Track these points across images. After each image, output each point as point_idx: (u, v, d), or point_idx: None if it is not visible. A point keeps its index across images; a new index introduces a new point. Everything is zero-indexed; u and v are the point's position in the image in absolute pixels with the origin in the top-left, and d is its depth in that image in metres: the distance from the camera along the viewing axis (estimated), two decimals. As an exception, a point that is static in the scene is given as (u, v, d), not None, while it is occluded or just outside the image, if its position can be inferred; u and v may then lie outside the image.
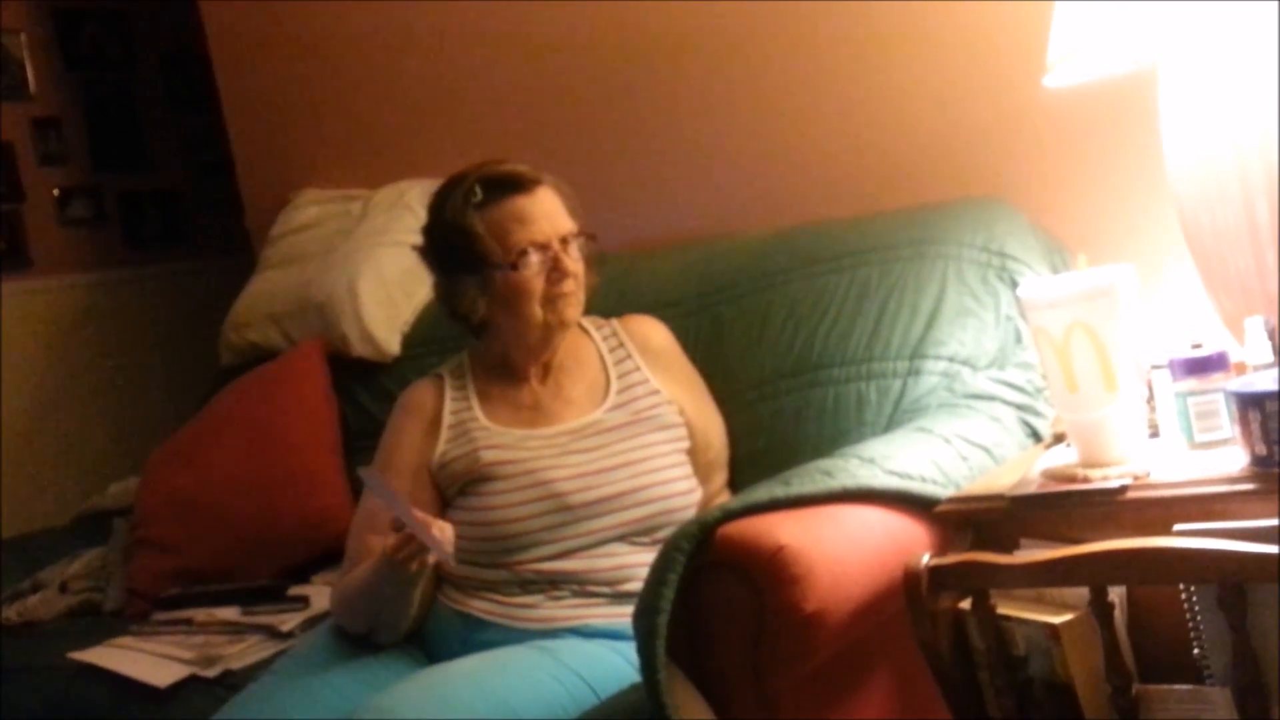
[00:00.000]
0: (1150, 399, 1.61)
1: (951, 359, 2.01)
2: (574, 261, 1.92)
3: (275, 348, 2.82)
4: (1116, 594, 1.43)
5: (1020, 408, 1.92)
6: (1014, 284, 2.00)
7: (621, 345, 2.03)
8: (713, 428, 2.03)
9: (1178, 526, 1.35)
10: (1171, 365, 1.56)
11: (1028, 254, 2.07)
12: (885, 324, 2.07)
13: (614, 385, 1.98)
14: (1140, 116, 1.81)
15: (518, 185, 1.93)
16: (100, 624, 2.43)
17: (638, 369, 2.00)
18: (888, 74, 2.33)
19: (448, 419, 1.96)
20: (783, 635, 1.48)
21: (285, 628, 2.16)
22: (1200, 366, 1.53)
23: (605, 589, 1.82)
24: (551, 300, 1.91)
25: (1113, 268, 1.53)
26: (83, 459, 3.65)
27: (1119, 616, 1.42)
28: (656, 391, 1.97)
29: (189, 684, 2.05)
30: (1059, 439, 1.74)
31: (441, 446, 1.94)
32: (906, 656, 1.54)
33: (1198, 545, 1.29)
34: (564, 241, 1.91)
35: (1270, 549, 1.25)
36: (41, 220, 3.90)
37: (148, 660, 2.12)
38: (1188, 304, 1.91)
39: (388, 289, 2.69)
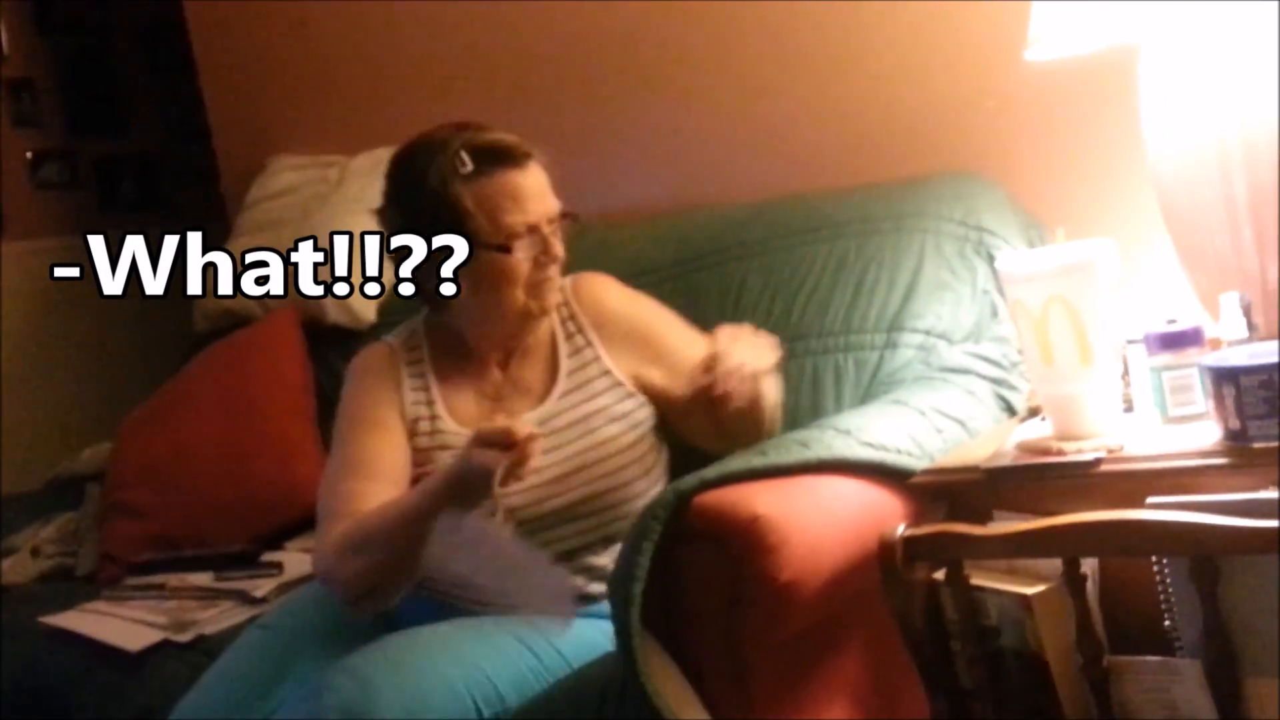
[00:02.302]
0: (1125, 373, 1.61)
1: (928, 332, 2.01)
2: (560, 245, 1.81)
3: (251, 314, 2.81)
4: (1089, 566, 1.44)
5: (995, 381, 1.93)
6: (991, 258, 2.01)
7: (573, 317, 1.89)
8: (673, 355, 1.87)
9: (1151, 499, 1.36)
10: (1147, 340, 1.57)
11: (1005, 229, 2.08)
12: (863, 297, 2.07)
13: (564, 367, 1.85)
14: (1120, 93, 1.81)
15: (509, 158, 1.79)
16: (72, 589, 2.42)
17: (589, 345, 1.86)
18: (868, 47, 2.32)
19: (408, 405, 1.82)
20: (757, 605, 1.48)
21: (258, 593, 2.15)
22: (1175, 341, 1.54)
23: None
24: (535, 285, 1.79)
25: (1092, 242, 1.53)
26: (55, 423, 3.63)
27: (1091, 588, 1.43)
28: (608, 373, 1.84)
29: (161, 648, 2.04)
30: (1034, 412, 1.75)
31: (413, 437, 1.82)
32: (880, 627, 1.55)
33: (1170, 518, 1.30)
34: (551, 222, 1.80)
35: (1242, 522, 1.26)
36: (14, 184, 3.86)
37: (120, 625, 2.11)
38: (1164, 280, 1.92)
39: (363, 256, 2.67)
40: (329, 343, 2.68)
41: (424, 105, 2.88)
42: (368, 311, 2.67)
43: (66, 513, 2.70)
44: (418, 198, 1.79)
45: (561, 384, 1.83)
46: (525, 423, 1.64)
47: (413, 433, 1.81)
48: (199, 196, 3.84)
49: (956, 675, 1.50)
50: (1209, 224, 1.64)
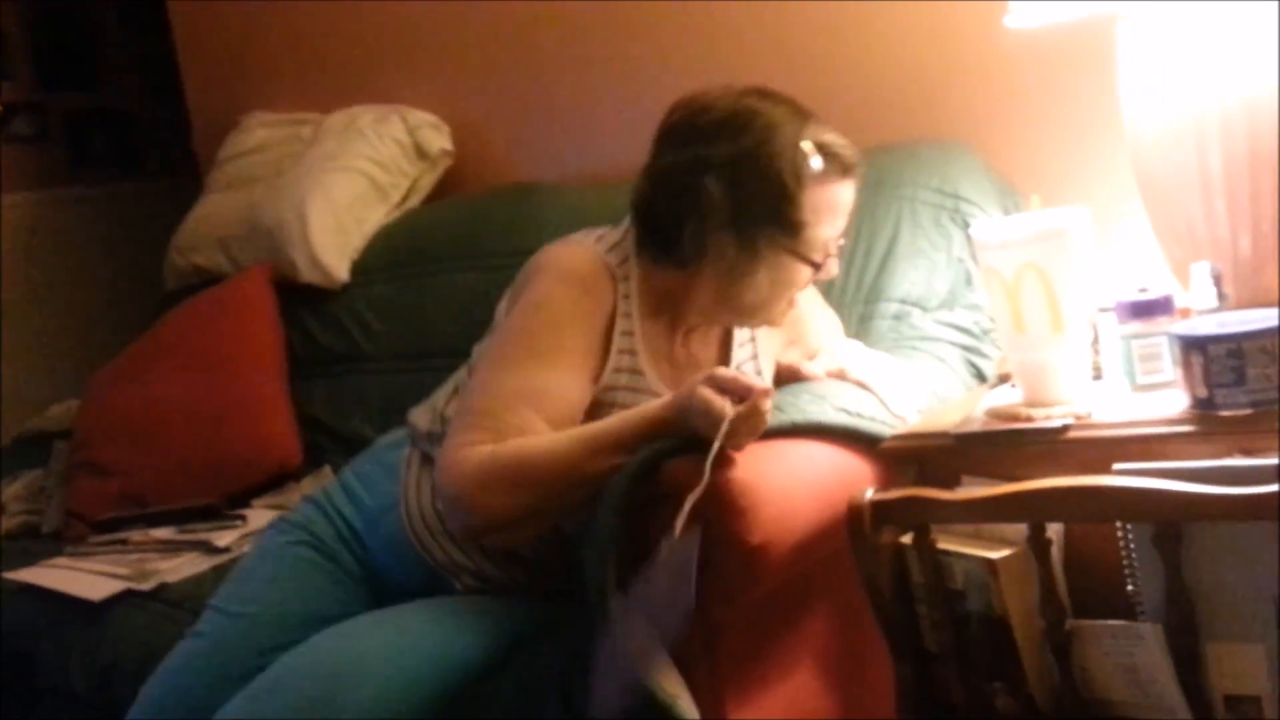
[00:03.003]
0: (1095, 341, 1.62)
1: (903, 300, 2.02)
2: (837, 266, 1.70)
3: (221, 272, 2.79)
4: (1054, 531, 1.45)
5: (967, 349, 1.94)
6: (967, 226, 2.01)
7: None
8: (812, 340, 1.83)
9: (1117, 466, 1.37)
10: (1117, 308, 1.58)
11: (982, 197, 2.08)
12: (841, 265, 2.07)
13: (734, 357, 1.76)
14: (1098, 62, 1.81)
15: (849, 168, 1.65)
16: (38, 546, 2.40)
17: (752, 339, 1.79)
18: (844, 14, 2.31)
19: (615, 350, 1.65)
20: (727, 567, 1.48)
21: (221, 543, 2.15)
22: (1145, 310, 1.55)
23: None
24: (792, 301, 1.71)
25: (1065, 210, 1.54)
26: (23, 380, 3.60)
27: (1055, 553, 1.44)
28: (755, 358, 1.78)
29: (124, 598, 2.04)
30: (1004, 379, 1.76)
31: (606, 376, 1.64)
32: (847, 590, 1.56)
33: (1135, 484, 1.31)
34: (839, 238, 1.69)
35: (1206, 489, 1.27)
36: (-19, 136, 3.82)
37: (82, 577, 2.11)
38: (1137, 248, 1.93)
39: (337, 215, 2.66)
40: (301, 301, 2.66)
41: (401, 65, 2.87)
42: (341, 271, 2.65)
43: (34, 470, 2.69)
44: (751, 163, 1.61)
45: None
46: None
47: (608, 383, 1.64)
48: (171, 152, 3.80)
49: (921, 638, 1.51)
50: (1183, 194, 1.64)
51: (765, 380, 1.74)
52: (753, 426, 1.46)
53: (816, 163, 1.61)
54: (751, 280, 1.65)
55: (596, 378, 1.64)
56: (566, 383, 1.60)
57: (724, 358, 1.76)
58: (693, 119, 1.67)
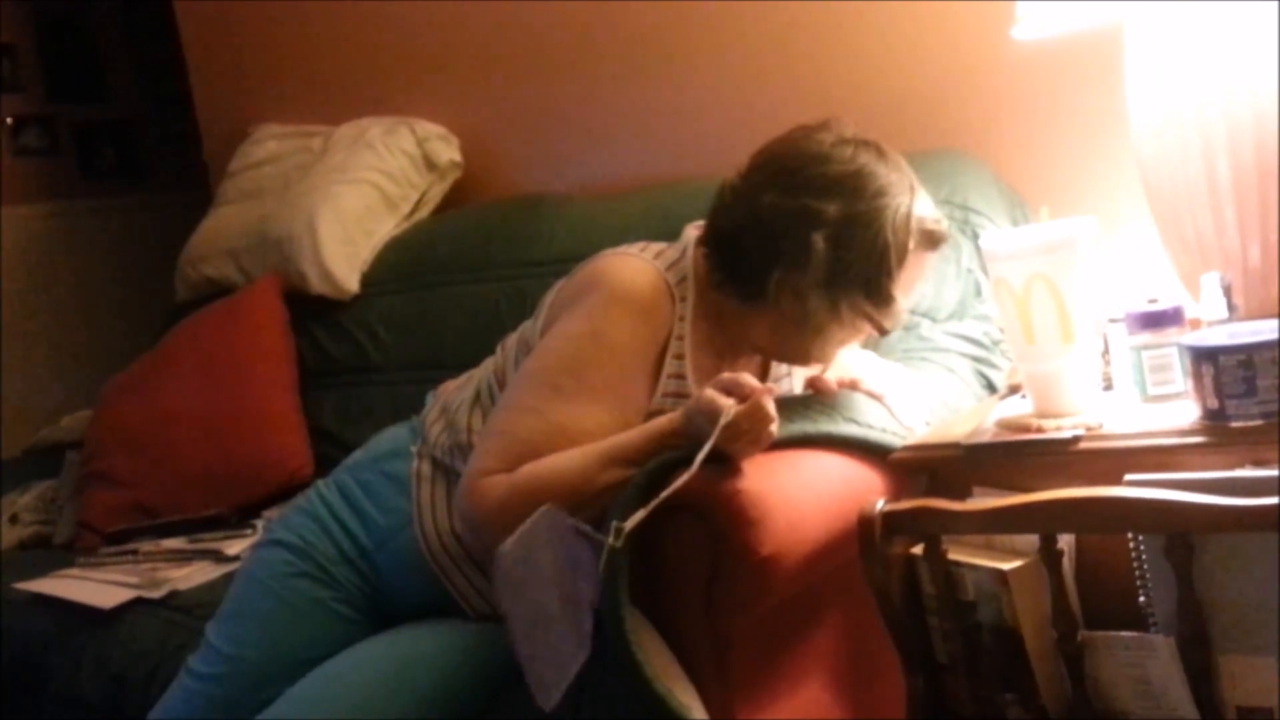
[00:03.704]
0: (1105, 352, 1.62)
1: (913, 311, 2.02)
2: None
3: (231, 283, 2.80)
4: (1065, 542, 1.45)
5: (977, 359, 1.94)
6: (976, 237, 2.01)
7: None
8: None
9: (1128, 477, 1.37)
10: (1127, 319, 1.58)
11: (990, 207, 2.08)
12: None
13: (769, 377, 1.76)
14: (1106, 72, 1.82)
15: (936, 244, 1.66)
16: (50, 556, 2.42)
17: (789, 374, 1.79)
18: (853, 24, 2.32)
19: (668, 364, 1.63)
20: (738, 578, 1.48)
21: (231, 551, 2.17)
22: (1155, 321, 1.55)
23: None
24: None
25: (1074, 220, 1.54)
26: (36, 391, 3.61)
27: (1067, 564, 1.44)
28: (791, 390, 1.78)
29: (135, 606, 2.05)
30: (1014, 390, 1.76)
31: (654, 401, 1.62)
32: (858, 601, 1.56)
33: (1147, 495, 1.31)
34: None
35: (1218, 500, 1.27)
36: (-7, 150, 3.84)
37: (93, 586, 2.12)
38: (1146, 259, 1.93)
39: (347, 227, 2.67)
40: (312, 313, 2.67)
41: (409, 78, 2.88)
42: (351, 282, 2.66)
43: (46, 480, 2.70)
44: (861, 226, 1.59)
45: None
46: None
47: (654, 408, 1.62)
48: (180, 164, 3.82)
49: (933, 649, 1.51)
50: (1191, 204, 1.64)
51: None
52: (756, 429, 1.45)
53: (916, 236, 1.61)
54: (822, 334, 1.64)
55: (643, 406, 1.61)
56: (611, 421, 1.57)
57: (763, 377, 1.74)
58: (806, 166, 1.62)
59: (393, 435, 1.83)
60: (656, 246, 1.71)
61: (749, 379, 1.47)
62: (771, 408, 1.46)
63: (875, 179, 1.60)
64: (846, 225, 1.58)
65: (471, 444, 1.67)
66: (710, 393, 1.46)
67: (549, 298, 1.72)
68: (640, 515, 1.42)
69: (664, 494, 1.43)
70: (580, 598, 1.44)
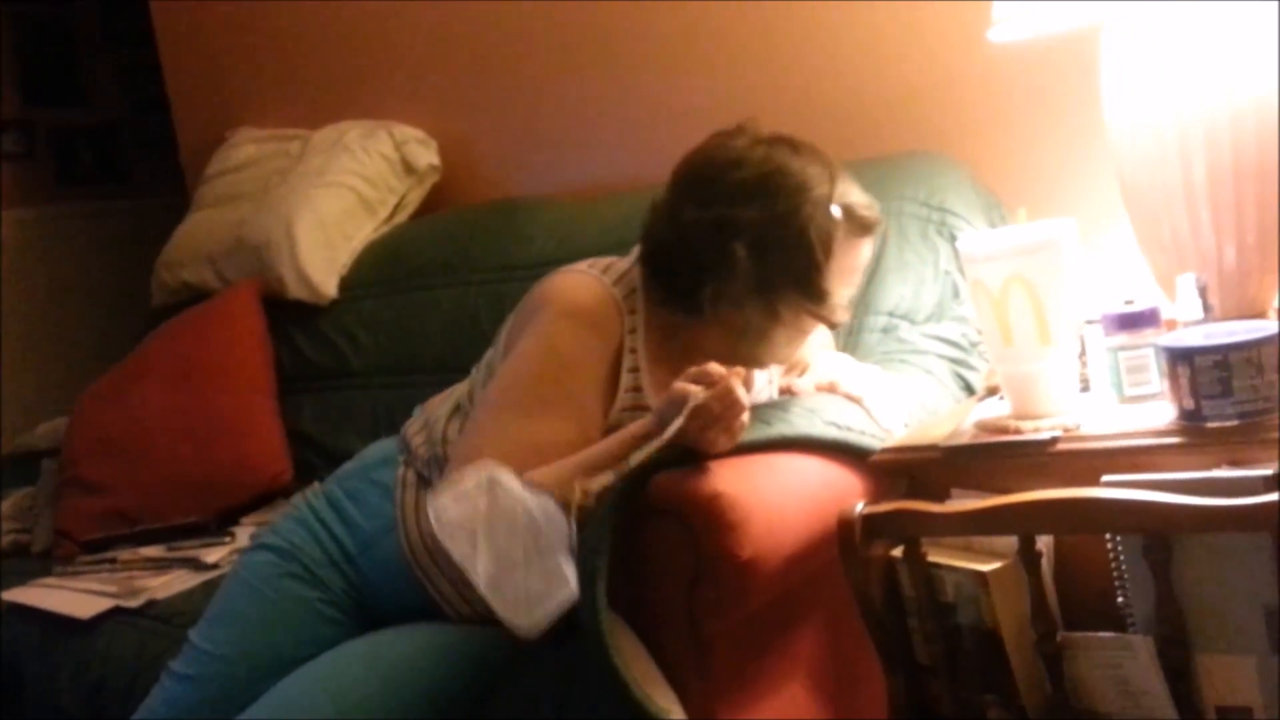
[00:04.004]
0: (1083, 353, 1.63)
1: (891, 313, 2.02)
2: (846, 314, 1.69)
3: (209, 288, 2.79)
4: (1044, 543, 1.45)
5: (955, 361, 1.94)
6: (953, 239, 2.02)
7: None
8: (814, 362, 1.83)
9: (1105, 478, 1.37)
10: (1104, 320, 1.58)
11: (968, 209, 2.09)
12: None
13: (753, 391, 1.76)
14: (1082, 74, 1.82)
15: (868, 229, 1.65)
16: (27, 565, 2.40)
17: (770, 384, 1.82)
18: (830, 27, 2.32)
19: (623, 378, 1.64)
20: (718, 581, 1.48)
21: (210, 559, 2.16)
22: (1132, 322, 1.56)
23: None
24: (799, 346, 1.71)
25: (1052, 222, 1.54)
26: (11, 398, 3.59)
27: (1046, 565, 1.44)
28: (770, 394, 1.80)
29: (113, 615, 2.03)
30: (992, 392, 1.76)
31: (613, 416, 1.63)
32: (838, 603, 1.56)
33: (1124, 496, 1.32)
34: None
35: (1195, 501, 1.27)
36: (-31, 155, 3.81)
37: (71, 595, 2.11)
38: (1123, 260, 1.94)
39: (325, 231, 2.66)
40: (290, 317, 2.66)
41: (388, 82, 2.88)
42: (329, 287, 2.65)
43: (22, 488, 2.68)
44: (776, 216, 1.59)
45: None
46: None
47: (614, 422, 1.63)
48: (159, 168, 3.80)
49: (913, 651, 1.51)
50: (1167, 205, 1.65)
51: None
52: (727, 416, 1.45)
53: (840, 222, 1.61)
54: (768, 338, 1.66)
55: (601, 418, 1.63)
56: (572, 432, 1.59)
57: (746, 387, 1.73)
58: (721, 174, 1.63)
59: (382, 446, 1.85)
60: (605, 261, 1.73)
61: (716, 367, 1.47)
62: (741, 393, 1.46)
63: (790, 176, 1.60)
64: (767, 227, 1.59)
65: (447, 455, 1.68)
66: (680, 384, 1.48)
67: (506, 326, 1.74)
68: (606, 480, 1.43)
69: (639, 458, 1.45)
70: (549, 547, 1.44)
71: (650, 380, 1.67)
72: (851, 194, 1.65)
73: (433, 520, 1.44)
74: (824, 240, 1.60)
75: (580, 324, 1.63)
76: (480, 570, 1.43)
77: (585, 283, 1.68)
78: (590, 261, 1.74)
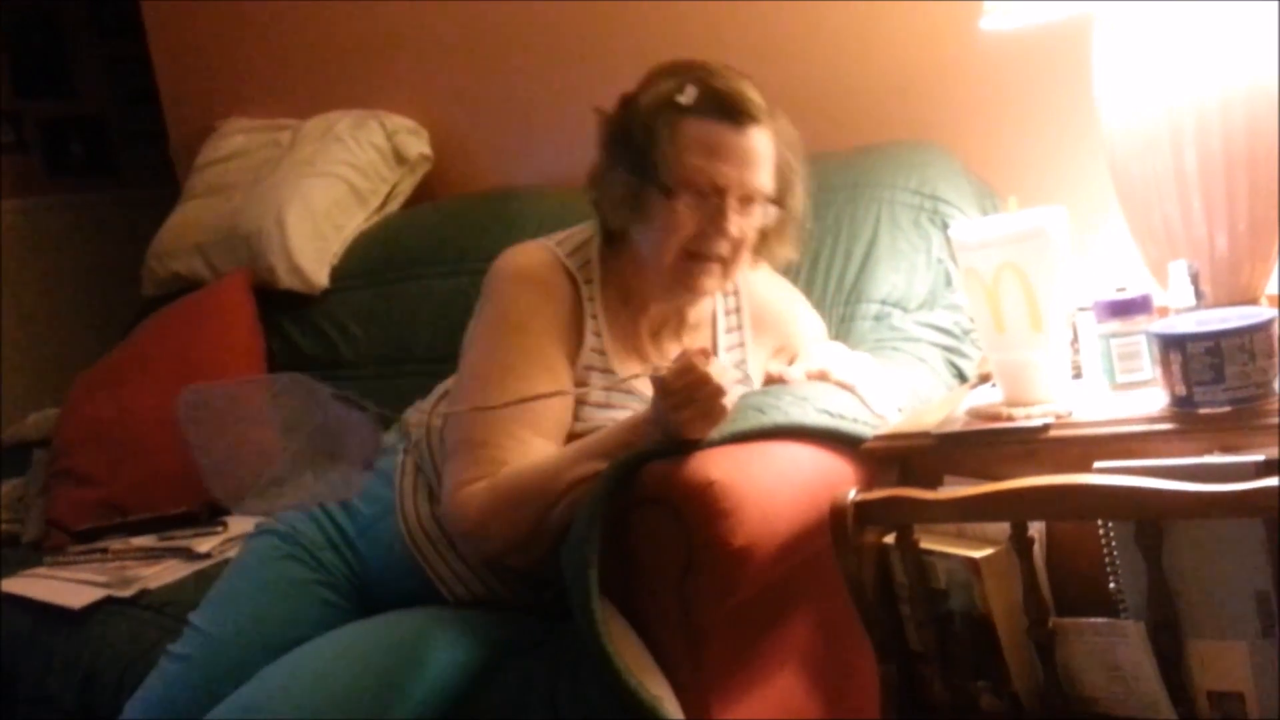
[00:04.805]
0: (1075, 340, 1.63)
1: (883, 301, 2.03)
2: (741, 226, 1.63)
3: (200, 278, 2.78)
4: (1036, 529, 1.45)
5: (947, 349, 1.95)
6: (945, 227, 2.02)
7: (739, 311, 1.80)
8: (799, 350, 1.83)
9: (1097, 464, 1.38)
10: (1096, 307, 1.58)
11: (960, 197, 2.09)
12: (820, 268, 2.08)
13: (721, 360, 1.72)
14: (1074, 63, 1.82)
15: (730, 113, 1.62)
16: (18, 555, 2.40)
17: (743, 344, 1.80)
18: (822, 16, 2.32)
19: (585, 350, 1.66)
20: (711, 569, 1.49)
21: (202, 549, 2.15)
22: (1124, 309, 1.56)
23: None
24: (692, 255, 1.64)
25: (1044, 210, 1.54)
26: (2, 389, 3.58)
27: (1038, 551, 1.44)
28: (747, 375, 1.79)
29: (106, 605, 2.03)
30: (985, 379, 1.76)
31: (578, 370, 1.66)
32: (831, 591, 1.56)
33: (1116, 482, 1.32)
34: (745, 199, 1.63)
35: (1186, 486, 1.28)
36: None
37: (62, 585, 2.10)
38: (1115, 248, 1.94)
39: (316, 221, 2.66)
40: (281, 307, 2.66)
41: (379, 71, 2.87)
42: (320, 276, 2.65)
43: (13, 479, 2.67)
44: (629, 108, 1.68)
45: None
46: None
47: (579, 381, 1.65)
48: (148, 159, 3.79)
49: (905, 638, 1.52)
50: (1159, 193, 1.65)
51: (755, 385, 1.76)
52: (699, 397, 1.46)
53: (688, 94, 1.62)
54: (646, 232, 1.66)
55: (567, 374, 1.65)
56: (547, 387, 1.62)
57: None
58: (625, 124, 1.69)
59: (385, 438, 1.85)
60: (563, 233, 1.77)
61: (690, 351, 1.48)
62: (710, 369, 1.46)
63: (652, 75, 1.68)
64: (623, 131, 1.67)
65: (431, 442, 1.72)
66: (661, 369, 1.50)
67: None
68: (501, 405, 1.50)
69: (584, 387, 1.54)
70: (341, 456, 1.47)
71: (613, 344, 1.69)
72: (721, 82, 1.65)
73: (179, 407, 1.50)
74: (664, 119, 1.63)
75: (525, 286, 1.67)
76: (210, 457, 1.48)
77: (529, 249, 1.72)
78: (544, 237, 1.77)
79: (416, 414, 1.81)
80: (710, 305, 1.80)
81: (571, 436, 1.64)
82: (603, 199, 1.69)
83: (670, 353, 1.72)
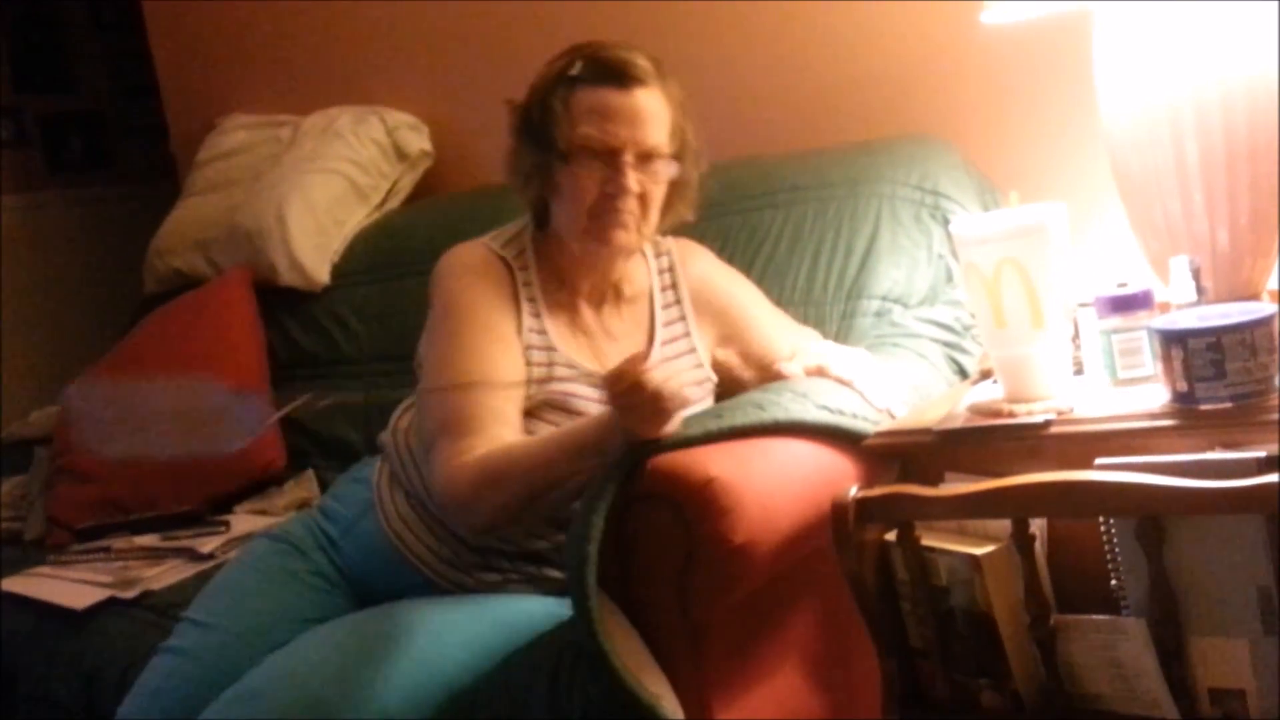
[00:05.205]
0: (1076, 336, 1.63)
1: (884, 297, 2.02)
2: (639, 181, 1.68)
3: (201, 275, 2.78)
4: (1037, 526, 1.45)
5: (948, 345, 1.95)
6: (946, 222, 2.01)
7: (675, 285, 1.85)
8: (753, 339, 1.86)
9: (1099, 460, 1.38)
10: (1097, 303, 1.58)
11: (960, 193, 2.08)
12: (821, 264, 2.08)
13: (660, 334, 1.81)
14: (1075, 57, 1.82)
15: (615, 77, 1.68)
16: (20, 553, 2.40)
17: (683, 318, 1.84)
18: (823, 12, 2.32)
19: (525, 330, 1.73)
20: (711, 566, 1.48)
21: (205, 549, 2.16)
22: (1125, 305, 1.56)
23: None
24: (598, 215, 1.69)
25: (1044, 205, 1.54)
26: (4, 386, 3.58)
27: (1039, 548, 1.44)
28: (693, 349, 1.83)
29: (108, 606, 2.03)
30: (986, 375, 1.76)
31: (522, 349, 1.72)
32: (831, 588, 1.56)
33: (1118, 479, 1.32)
34: (643, 157, 1.69)
35: (1188, 483, 1.27)
36: (-41, 142, 3.80)
37: (65, 585, 2.10)
38: (1116, 243, 1.93)
39: (317, 217, 2.65)
40: (282, 304, 2.66)
41: (379, 66, 2.86)
42: (321, 273, 2.64)
43: (15, 476, 2.67)
44: (530, 90, 1.76)
45: (657, 351, 1.79)
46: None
47: (525, 361, 1.72)
48: (148, 155, 3.79)
49: (906, 635, 1.52)
50: (1160, 188, 1.65)
51: (705, 371, 1.82)
52: (635, 403, 1.47)
53: (576, 67, 1.70)
54: (559, 204, 1.73)
55: (518, 349, 1.71)
56: (504, 360, 1.69)
57: (648, 335, 1.82)
58: (518, 106, 1.78)
59: (367, 460, 1.96)
60: (493, 232, 1.83)
61: (626, 360, 1.51)
62: (642, 375, 1.47)
63: (551, 66, 1.75)
64: (525, 113, 1.76)
65: (398, 445, 1.80)
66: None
67: None
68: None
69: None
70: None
71: (552, 322, 1.75)
72: (607, 51, 1.71)
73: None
74: (547, 84, 1.71)
75: (465, 275, 1.75)
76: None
77: (464, 247, 1.80)
78: (485, 234, 1.84)
79: (386, 433, 1.87)
80: (646, 279, 1.83)
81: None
82: (516, 180, 1.78)
83: (613, 327, 1.79)
